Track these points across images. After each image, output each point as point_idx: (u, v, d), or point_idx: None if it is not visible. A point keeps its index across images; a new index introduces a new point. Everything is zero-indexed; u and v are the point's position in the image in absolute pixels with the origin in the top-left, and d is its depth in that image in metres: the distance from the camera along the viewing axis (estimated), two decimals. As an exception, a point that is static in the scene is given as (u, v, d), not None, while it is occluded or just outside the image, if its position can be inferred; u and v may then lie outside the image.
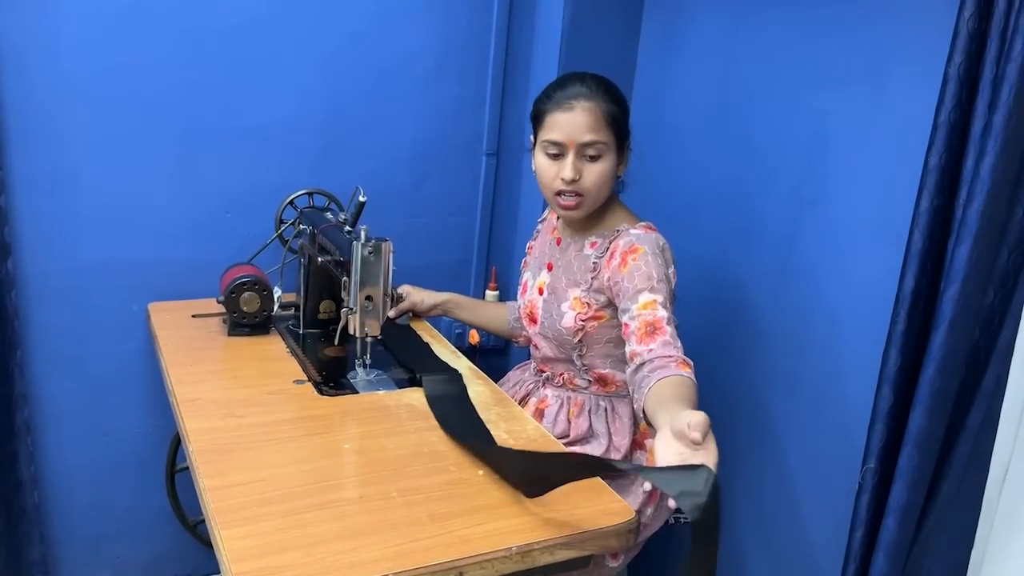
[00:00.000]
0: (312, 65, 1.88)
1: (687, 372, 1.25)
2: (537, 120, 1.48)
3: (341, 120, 1.94)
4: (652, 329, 1.33)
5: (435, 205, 2.10)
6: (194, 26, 1.75)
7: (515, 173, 2.17)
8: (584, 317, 1.49)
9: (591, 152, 1.43)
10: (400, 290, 1.82)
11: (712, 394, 1.85)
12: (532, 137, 1.52)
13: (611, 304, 1.48)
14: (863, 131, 1.50)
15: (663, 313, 1.34)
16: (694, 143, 1.89)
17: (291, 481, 1.17)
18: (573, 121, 1.42)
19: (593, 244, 1.52)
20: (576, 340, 1.52)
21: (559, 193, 1.47)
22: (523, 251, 1.98)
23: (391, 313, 1.72)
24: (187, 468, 1.31)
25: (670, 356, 1.28)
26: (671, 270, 1.44)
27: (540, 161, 1.48)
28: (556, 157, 1.45)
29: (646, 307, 1.36)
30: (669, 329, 1.32)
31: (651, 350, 1.30)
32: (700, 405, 1.42)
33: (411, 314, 1.84)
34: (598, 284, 1.48)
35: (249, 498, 1.11)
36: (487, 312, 1.84)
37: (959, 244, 1.14)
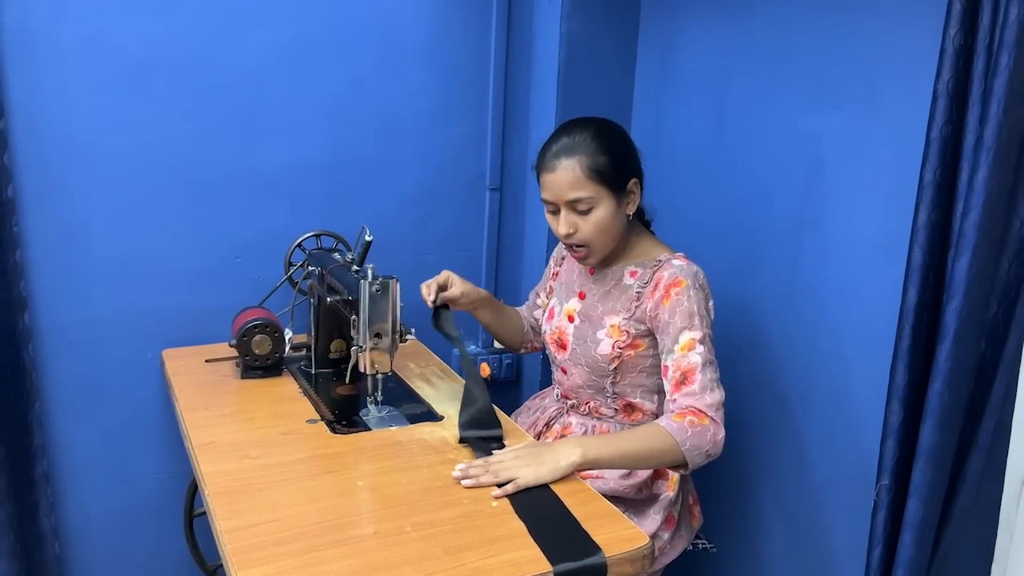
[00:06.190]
0: (316, 111, 1.92)
1: (666, 422, 1.37)
2: (537, 179, 1.53)
3: (346, 163, 1.98)
4: (683, 378, 1.42)
5: (441, 241, 2.12)
6: (200, 78, 1.79)
7: (519, 207, 2.20)
8: (622, 345, 1.51)
9: (580, 207, 1.46)
10: (443, 277, 1.62)
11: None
12: None
13: (650, 334, 1.50)
14: (858, 150, 1.51)
15: (696, 359, 1.41)
16: (693, 171, 1.92)
17: (306, 520, 1.18)
18: (556, 181, 1.46)
19: (633, 273, 1.53)
20: (611, 367, 1.52)
21: (568, 246, 1.52)
22: (530, 282, 2.00)
23: (430, 298, 1.57)
24: (205, 512, 1.32)
25: (681, 407, 1.40)
26: (710, 303, 1.49)
27: (546, 215, 1.54)
28: (555, 213, 1.50)
29: (684, 349, 1.42)
30: (699, 377, 1.40)
31: (674, 400, 1.42)
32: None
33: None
34: (639, 314, 1.50)
35: (265, 538, 1.12)
36: (510, 319, 1.79)
37: (959, 257, 1.15)
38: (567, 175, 1.44)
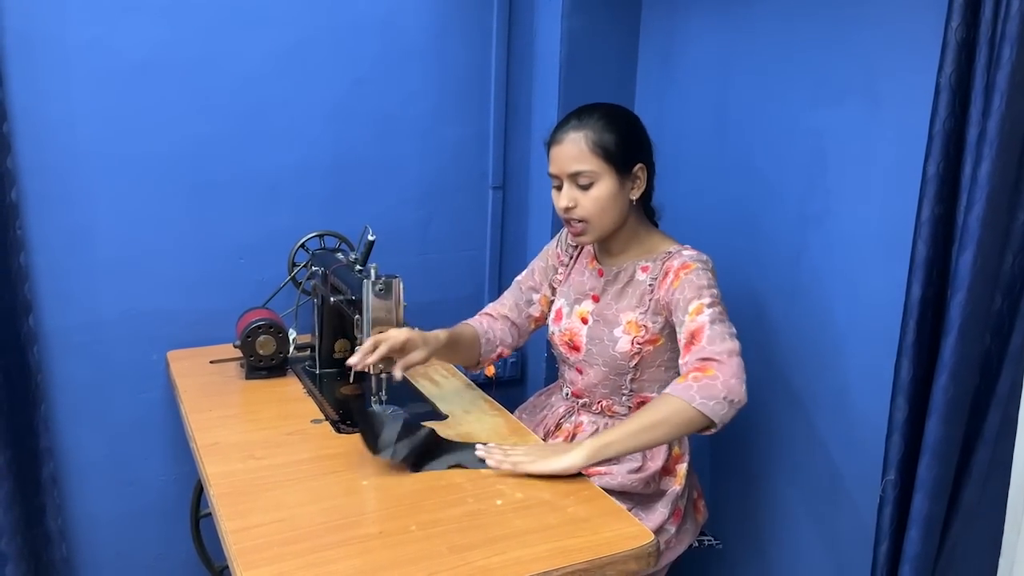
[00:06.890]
0: (318, 112, 1.92)
1: (670, 387, 1.34)
2: (547, 156, 1.54)
3: (349, 163, 1.98)
4: (692, 338, 1.39)
5: (444, 241, 2.12)
6: (201, 81, 1.79)
7: (522, 205, 2.19)
8: (641, 340, 1.51)
9: (581, 181, 1.48)
10: (399, 340, 1.43)
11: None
12: None
13: (668, 325, 1.50)
14: (861, 145, 1.51)
15: (704, 319, 1.38)
16: (696, 167, 1.91)
17: (311, 520, 1.18)
18: (561, 153, 1.48)
19: (645, 268, 1.54)
20: (631, 364, 1.52)
21: (567, 221, 1.52)
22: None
23: (397, 373, 1.44)
24: (211, 513, 1.32)
25: (691, 367, 1.36)
26: (717, 286, 1.48)
27: (552, 192, 1.55)
28: (559, 188, 1.52)
29: (693, 313, 1.40)
30: (707, 333, 1.37)
31: (686, 362, 1.38)
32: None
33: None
34: (655, 306, 1.50)
35: (270, 538, 1.13)
36: (468, 345, 1.63)
37: (962, 251, 1.14)
38: (572, 148, 1.47)
